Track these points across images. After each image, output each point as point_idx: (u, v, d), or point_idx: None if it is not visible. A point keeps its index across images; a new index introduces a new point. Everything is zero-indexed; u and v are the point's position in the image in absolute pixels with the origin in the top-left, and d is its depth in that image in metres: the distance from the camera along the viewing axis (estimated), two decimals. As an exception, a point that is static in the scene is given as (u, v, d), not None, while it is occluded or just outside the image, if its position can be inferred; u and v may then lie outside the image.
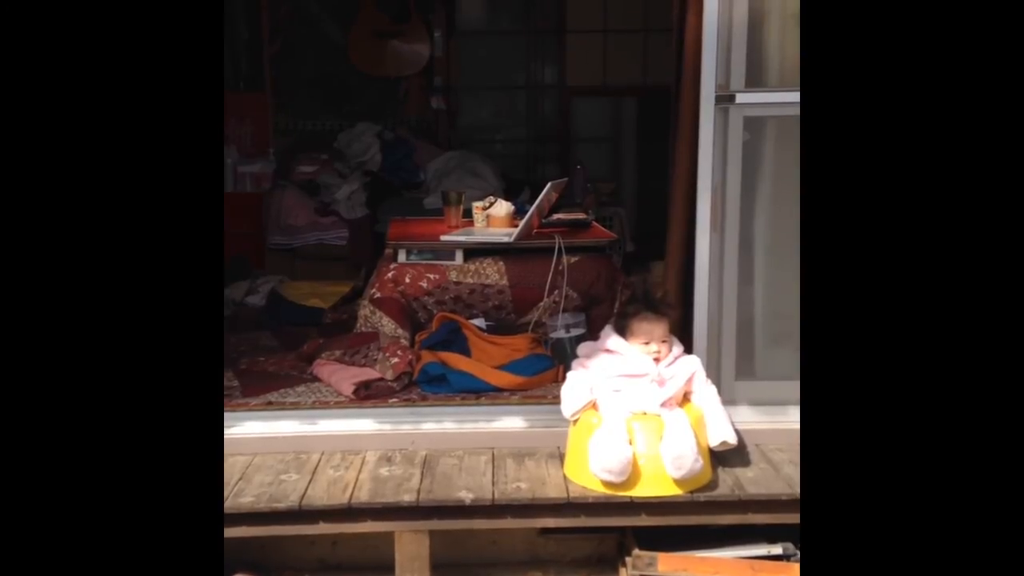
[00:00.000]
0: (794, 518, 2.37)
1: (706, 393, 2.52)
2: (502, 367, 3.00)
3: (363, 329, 3.24)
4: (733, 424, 2.53)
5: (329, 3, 5.87)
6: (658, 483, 2.36)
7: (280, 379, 3.09)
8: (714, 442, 2.47)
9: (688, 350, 2.61)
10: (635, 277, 3.53)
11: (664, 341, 2.51)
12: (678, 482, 2.36)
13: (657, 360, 2.48)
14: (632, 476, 2.35)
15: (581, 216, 3.71)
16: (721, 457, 2.52)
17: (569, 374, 2.57)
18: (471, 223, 3.57)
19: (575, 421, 2.50)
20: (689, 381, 2.51)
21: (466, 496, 2.36)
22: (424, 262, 3.28)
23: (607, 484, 2.37)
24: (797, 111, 2.48)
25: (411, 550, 2.36)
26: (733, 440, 2.48)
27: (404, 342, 3.12)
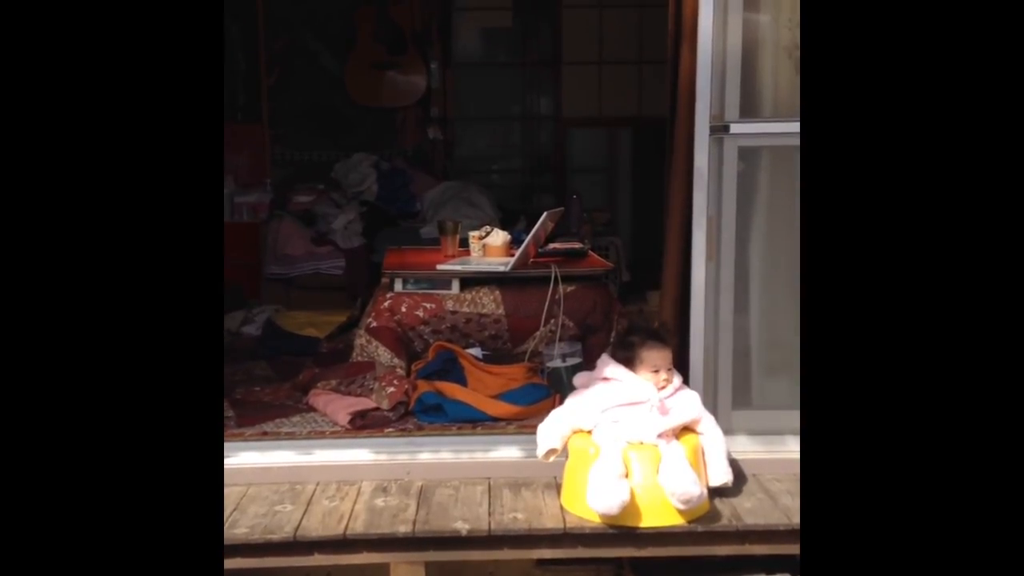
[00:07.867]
0: (792, 549, 2.36)
1: (711, 433, 2.51)
2: (498, 396, 2.99)
3: (359, 359, 3.23)
4: (730, 454, 2.52)
5: (326, 35, 5.91)
6: (655, 514, 2.35)
7: (275, 409, 3.08)
8: (713, 483, 2.47)
9: (684, 380, 2.60)
10: (631, 308, 3.53)
11: (670, 369, 2.51)
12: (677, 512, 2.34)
13: (663, 387, 2.47)
14: (629, 507, 2.34)
15: (577, 246, 3.71)
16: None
17: (552, 412, 2.56)
18: (467, 252, 3.58)
19: (566, 454, 2.49)
20: (695, 421, 2.50)
21: (462, 527, 2.35)
22: (420, 291, 3.28)
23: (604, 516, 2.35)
24: (791, 141, 2.53)
25: (407, 582, 2.34)
26: (731, 483, 2.48)
27: (400, 371, 3.12)
